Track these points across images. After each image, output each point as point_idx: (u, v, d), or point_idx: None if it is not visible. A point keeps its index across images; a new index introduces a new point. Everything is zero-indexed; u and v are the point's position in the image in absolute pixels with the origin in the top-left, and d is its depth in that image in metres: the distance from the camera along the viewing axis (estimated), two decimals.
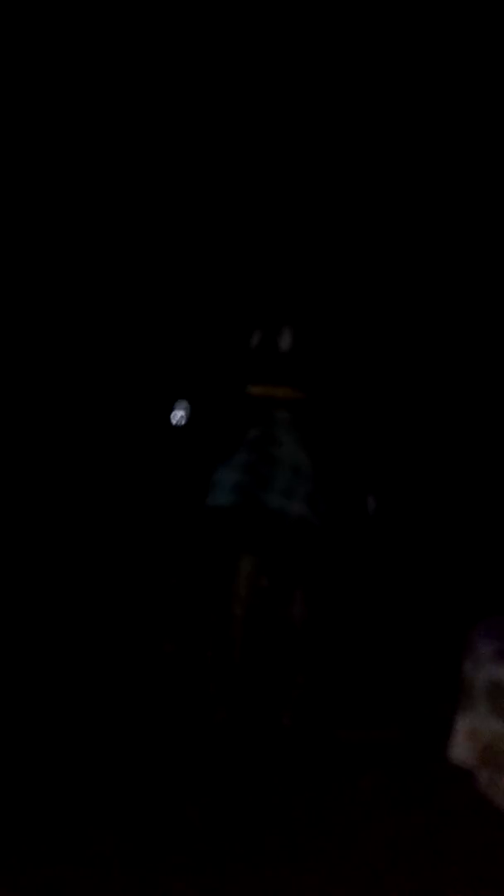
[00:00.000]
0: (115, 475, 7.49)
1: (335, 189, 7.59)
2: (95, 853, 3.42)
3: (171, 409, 7.45)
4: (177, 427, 7.33)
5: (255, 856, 3.48)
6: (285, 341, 4.69)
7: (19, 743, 4.24)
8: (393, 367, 7.70)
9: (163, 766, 4.14)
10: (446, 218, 7.60)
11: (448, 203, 7.59)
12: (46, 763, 4.08)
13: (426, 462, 7.56)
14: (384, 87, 7.51)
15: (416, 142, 7.55)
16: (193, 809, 3.79)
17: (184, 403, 7.54)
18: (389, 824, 3.77)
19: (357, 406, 7.10)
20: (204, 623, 4.68)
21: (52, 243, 7.75)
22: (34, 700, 4.71)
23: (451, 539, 6.92)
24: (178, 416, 7.54)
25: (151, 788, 3.94)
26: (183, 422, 7.53)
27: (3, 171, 7.55)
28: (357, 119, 7.57)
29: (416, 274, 7.71)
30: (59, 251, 7.76)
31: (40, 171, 7.69)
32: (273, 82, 7.58)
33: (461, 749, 3.90)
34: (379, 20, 7.48)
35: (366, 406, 7.30)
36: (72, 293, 7.77)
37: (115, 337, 7.82)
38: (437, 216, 7.62)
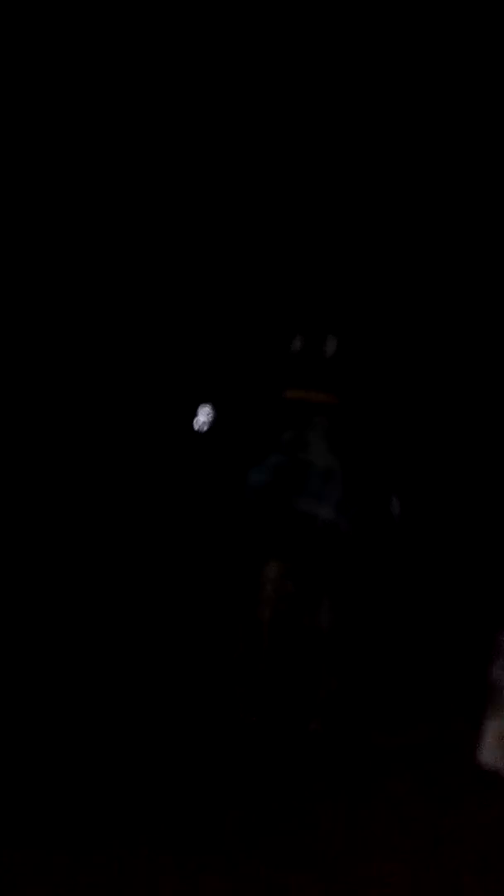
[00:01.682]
0: (145, 478, 7.51)
1: (379, 200, 7.60)
2: (117, 854, 3.44)
3: (199, 414, 7.48)
4: (202, 431, 7.36)
5: (283, 858, 3.50)
6: (328, 347, 4.71)
7: (42, 744, 4.26)
8: (425, 374, 7.71)
9: (190, 768, 4.16)
10: (489, 232, 7.59)
11: (491, 216, 7.57)
12: (63, 763, 4.10)
13: (452, 467, 7.57)
14: (422, 101, 7.51)
15: (460, 158, 7.54)
16: (220, 810, 3.81)
17: (207, 408, 7.56)
18: (419, 826, 3.79)
19: (389, 412, 7.11)
20: (232, 626, 4.69)
21: (91, 249, 7.77)
22: (57, 703, 4.73)
23: (479, 543, 6.92)
24: (201, 420, 7.57)
25: (177, 789, 3.96)
26: (206, 427, 7.56)
27: (55, 181, 7.58)
28: (401, 132, 7.57)
29: (455, 287, 7.70)
30: (98, 257, 7.79)
31: (78, 176, 7.73)
32: (323, 102, 7.59)
33: (490, 752, 3.92)
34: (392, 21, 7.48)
35: (397, 412, 7.31)
36: (112, 298, 7.79)
37: (155, 341, 7.85)
38: (479, 230, 7.61)
